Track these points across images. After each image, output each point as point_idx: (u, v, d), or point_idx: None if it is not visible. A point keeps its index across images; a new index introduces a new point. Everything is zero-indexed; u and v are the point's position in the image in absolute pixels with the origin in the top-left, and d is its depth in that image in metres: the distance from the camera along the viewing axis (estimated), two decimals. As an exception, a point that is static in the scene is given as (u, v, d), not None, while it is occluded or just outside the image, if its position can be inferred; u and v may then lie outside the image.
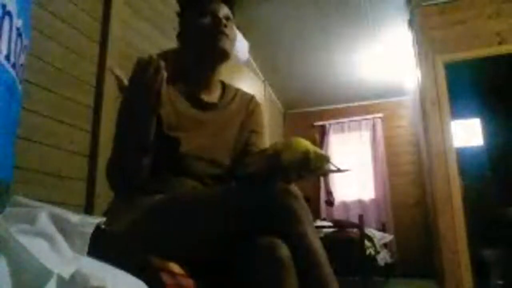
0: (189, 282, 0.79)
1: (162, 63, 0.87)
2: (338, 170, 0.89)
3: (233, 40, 1.11)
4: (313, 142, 0.88)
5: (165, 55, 1.12)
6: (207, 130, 1.07)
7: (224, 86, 1.19)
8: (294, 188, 0.87)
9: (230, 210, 0.86)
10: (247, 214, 0.84)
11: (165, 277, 0.74)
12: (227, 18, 1.10)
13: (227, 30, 1.07)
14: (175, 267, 0.78)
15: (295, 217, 0.82)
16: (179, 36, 1.14)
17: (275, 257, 0.76)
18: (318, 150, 0.85)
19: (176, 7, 1.16)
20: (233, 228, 0.84)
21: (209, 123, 1.09)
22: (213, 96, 1.14)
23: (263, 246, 0.79)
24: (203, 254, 0.86)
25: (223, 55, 1.09)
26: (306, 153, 0.83)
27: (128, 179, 0.96)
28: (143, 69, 0.87)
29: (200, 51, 1.10)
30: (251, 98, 1.23)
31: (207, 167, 1.04)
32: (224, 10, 1.10)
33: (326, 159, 0.85)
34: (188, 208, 0.89)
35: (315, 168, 0.84)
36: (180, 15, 1.16)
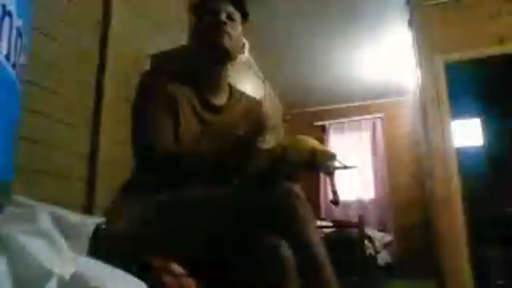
0: (190, 281, 0.78)
1: None
2: (345, 167, 0.90)
3: (235, 39, 1.10)
4: (318, 140, 0.88)
5: (164, 55, 1.12)
6: (213, 132, 1.08)
7: (231, 89, 1.20)
8: (297, 188, 0.87)
9: (232, 210, 0.86)
10: (249, 214, 0.84)
11: (166, 277, 0.73)
12: (230, 17, 1.09)
13: (227, 28, 1.07)
14: (176, 267, 0.78)
15: (297, 217, 0.82)
16: (190, 37, 1.17)
17: (277, 257, 0.76)
18: (324, 147, 0.85)
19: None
20: (236, 228, 0.84)
21: (216, 125, 1.09)
22: (220, 98, 1.14)
23: (265, 246, 0.79)
24: (205, 253, 0.86)
25: (223, 53, 1.08)
26: (312, 151, 0.83)
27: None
28: None
29: (201, 50, 1.10)
30: (256, 100, 1.25)
31: (212, 168, 1.04)
32: (228, 8, 1.10)
33: (332, 157, 0.86)
34: (191, 208, 0.89)
35: (321, 166, 0.84)
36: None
